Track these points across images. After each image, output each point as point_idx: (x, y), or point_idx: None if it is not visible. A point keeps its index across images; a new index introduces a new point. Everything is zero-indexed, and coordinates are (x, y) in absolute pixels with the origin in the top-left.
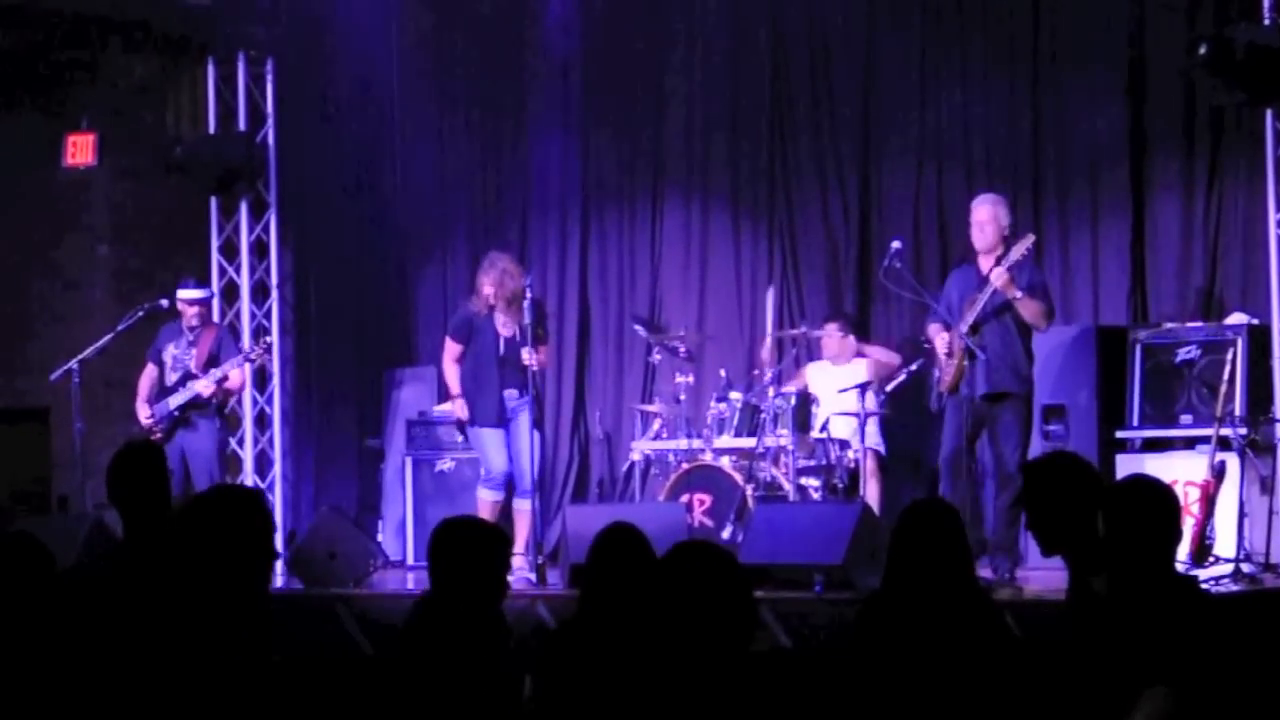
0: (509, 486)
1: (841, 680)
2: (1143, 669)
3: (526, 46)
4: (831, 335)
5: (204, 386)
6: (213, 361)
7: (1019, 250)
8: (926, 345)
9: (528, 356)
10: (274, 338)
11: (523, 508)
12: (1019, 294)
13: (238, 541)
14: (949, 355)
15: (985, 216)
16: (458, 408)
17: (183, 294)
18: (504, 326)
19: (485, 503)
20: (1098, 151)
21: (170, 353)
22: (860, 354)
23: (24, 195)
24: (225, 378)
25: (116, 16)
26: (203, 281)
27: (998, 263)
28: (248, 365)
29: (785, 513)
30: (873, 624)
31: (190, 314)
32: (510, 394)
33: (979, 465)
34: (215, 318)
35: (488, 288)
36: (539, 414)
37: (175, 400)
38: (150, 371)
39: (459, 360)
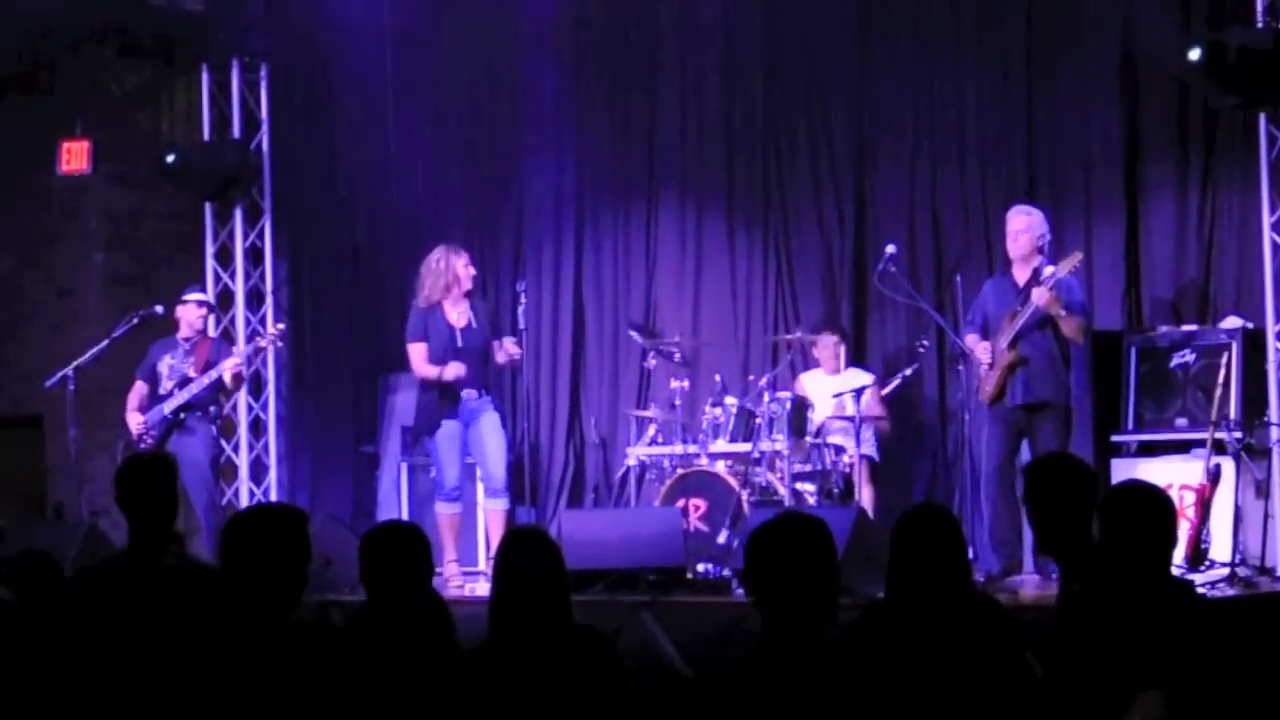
0: (508, 493)
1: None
2: (1138, 673)
3: (520, 52)
4: (827, 345)
5: (233, 364)
6: (210, 368)
7: (1066, 267)
8: (922, 350)
9: (503, 356)
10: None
11: (495, 507)
12: (1063, 312)
13: (283, 559)
14: (991, 366)
15: (1020, 226)
16: (450, 370)
17: (191, 296)
18: (456, 318)
19: (444, 517)
20: (1091, 155)
21: (166, 363)
22: (854, 365)
23: (18, 202)
24: (251, 354)
25: (110, 23)
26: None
27: (1035, 276)
28: (270, 349)
29: None
30: (874, 631)
31: (195, 317)
32: (469, 394)
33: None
34: (210, 330)
35: (424, 279)
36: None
37: (171, 404)
38: (139, 388)
39: (430, 359)
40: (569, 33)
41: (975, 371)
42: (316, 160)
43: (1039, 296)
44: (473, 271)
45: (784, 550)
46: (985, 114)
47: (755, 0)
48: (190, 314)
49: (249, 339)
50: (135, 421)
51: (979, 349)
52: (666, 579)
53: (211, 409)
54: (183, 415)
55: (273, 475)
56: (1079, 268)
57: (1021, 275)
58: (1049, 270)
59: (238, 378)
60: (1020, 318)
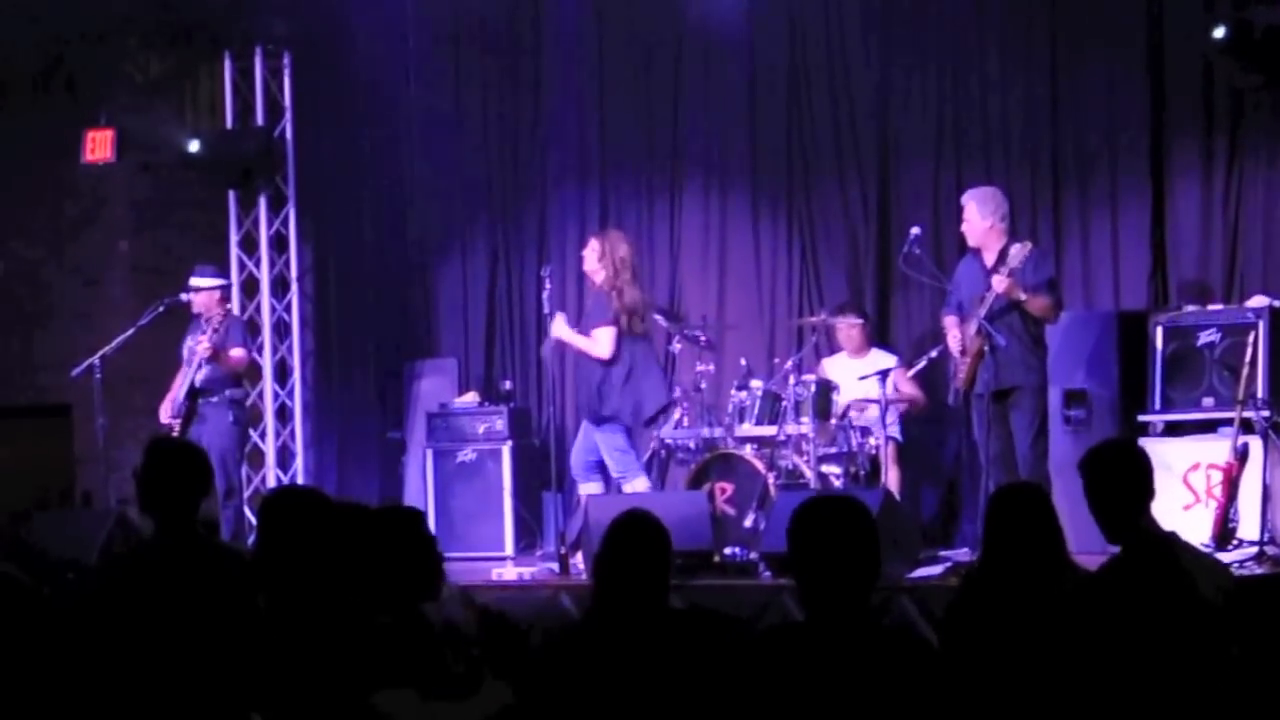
0: None
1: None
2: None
3: (543, 37)
4: (850, 325)
5: (203, 349)
6: (219, 349)
7: (1016, 258)
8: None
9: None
10: (294, 331)
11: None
12: (1023, 296)
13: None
14: (963, 353)
15: (968, 215)
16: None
17: (193, 281)
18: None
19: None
20: (1117, 136)
21: (187, 345)
22: (877, 346)
23: (44, 191)
24: (214, 351)
25: (134, 12)
26: (221, 270)
27: (1002, 256)
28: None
29: None
30: (970, 606)
31: (198, 301)
32: None
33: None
34: (235, 309)
35: (596, 261)
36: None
37: (182, 389)
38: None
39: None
40: (592, 16)
41: (952, 357)
42: (340, 147)
43: (999, 284)
44: (623, 246)
45: (827, 530)
46: (1010, 95)
47: None
48: (194, 298)
49: (274, 329)
50: (165, 410)
51: (951, 335)
52: (693, 562)
53: (226, 393)
54: (199, 401)
55: (299, 462)
56: (1030, 253)
57: (990, 256)
58: (1013, 250)
59: (213, 356)
60: (987, 302)
